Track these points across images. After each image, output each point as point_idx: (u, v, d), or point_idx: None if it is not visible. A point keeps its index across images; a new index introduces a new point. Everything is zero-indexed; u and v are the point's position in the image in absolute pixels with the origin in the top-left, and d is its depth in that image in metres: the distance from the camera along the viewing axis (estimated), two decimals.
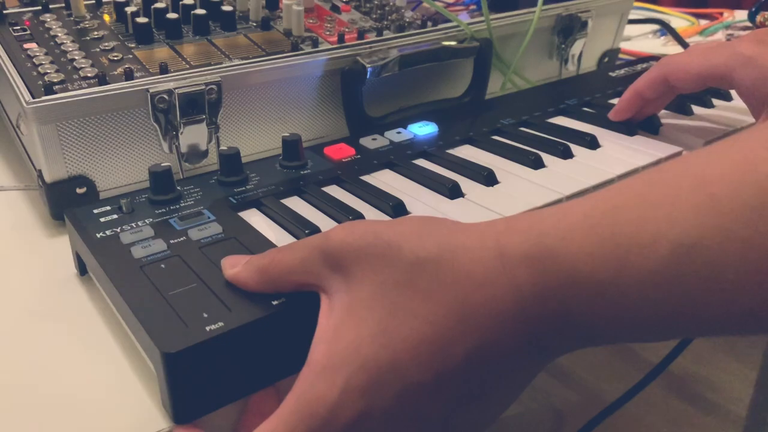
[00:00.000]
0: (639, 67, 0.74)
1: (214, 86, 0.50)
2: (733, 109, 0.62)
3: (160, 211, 0.43)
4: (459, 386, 0.29)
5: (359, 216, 0.43)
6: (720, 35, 1.02)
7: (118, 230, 0.41)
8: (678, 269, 0.26)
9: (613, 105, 0.64)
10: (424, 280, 0.29)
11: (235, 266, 0.35)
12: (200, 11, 0.57)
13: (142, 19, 0.55)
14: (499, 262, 0.29)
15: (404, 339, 0.28)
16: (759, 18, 0.90)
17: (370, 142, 0.54)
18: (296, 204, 0.46)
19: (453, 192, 0.47)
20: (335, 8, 0.66)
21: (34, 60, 0.51)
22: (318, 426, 0.29)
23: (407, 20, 0.64)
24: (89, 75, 0.49)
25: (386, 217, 0.44)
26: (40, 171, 0.48)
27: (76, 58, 0.52)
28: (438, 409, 0.29)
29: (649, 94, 0.56)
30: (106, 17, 0.59)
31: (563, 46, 0.74)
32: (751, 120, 0.60)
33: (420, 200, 0.46)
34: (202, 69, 0.51)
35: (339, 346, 0.29)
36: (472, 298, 0.28)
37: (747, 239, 0.25)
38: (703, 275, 0.26)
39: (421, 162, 0.52)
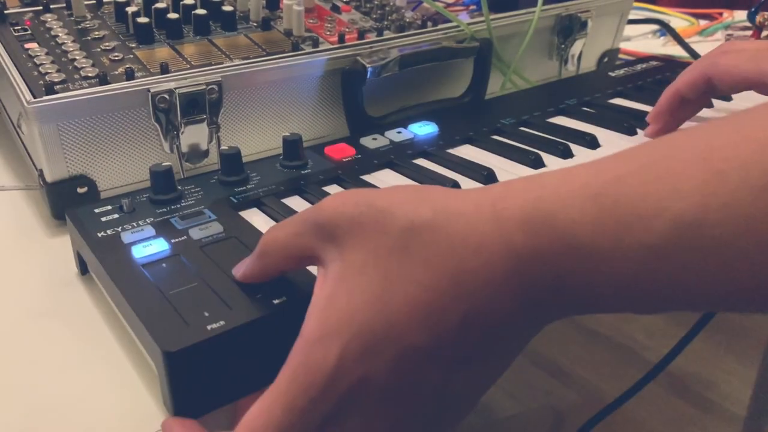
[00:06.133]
0: (639, 67, 0.74)
1: (214, 86, 0.50)
2: (733, 109, 0.62)
3: (161, 210, 0.43)
4: (455, 350, 0.29)
5: None
6: (719, 35, 1.03)
7: (119, 229, 0.41)
8: (680, 244, 0.26)
9: (613, 105, 0.64)
10: (419, 245, 0.29)
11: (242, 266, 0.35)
12: (201, 11, 0.58)
13: (142, 19, 0.55)
14: (495, 226, 0.29)
15: (398, 304, 0.28)
16: (759, 18, 0.90)
17: (370, 141, 0.54)
18: (297, 203, 0.46)
19: None
20: (335, 8, 0.66)
21: (35, 60, 0.51)
22: (318, 395, 0.28)
23: (407, 20, 0.65)
24: (90, 75, 0.49)
25: None
26: (41, 170, 0.49)
27: (77, 57, 0.52)
28: (435, 374, 0.29)
29: (690, 94, 0.53)
30: None
31: (563, 46, 0.74)
32: None
33: None
34: (203, 69, 0.51)
35: (333, 314, 0.29)
36: (467, 264, 0.28)
37: (753, 218, 0.25)
38: (706, 251, 0.26)
39: (422, 162, 0.52)
